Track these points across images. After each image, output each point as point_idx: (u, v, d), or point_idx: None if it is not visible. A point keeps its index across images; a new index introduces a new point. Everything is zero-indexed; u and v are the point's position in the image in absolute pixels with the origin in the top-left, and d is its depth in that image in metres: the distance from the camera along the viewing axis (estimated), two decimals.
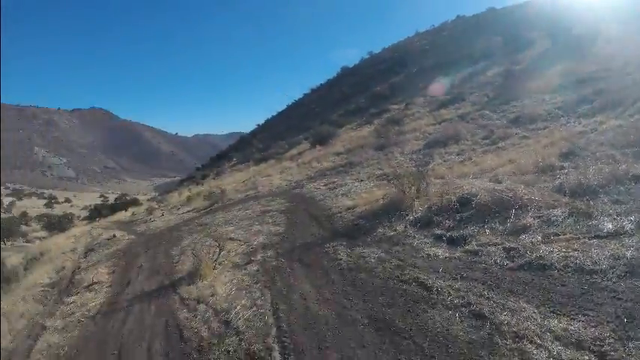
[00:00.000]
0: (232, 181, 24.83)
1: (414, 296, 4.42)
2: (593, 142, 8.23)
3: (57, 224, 42.58)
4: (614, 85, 12.07)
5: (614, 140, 7.86)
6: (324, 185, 12.70)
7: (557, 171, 7.05)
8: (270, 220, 9.85)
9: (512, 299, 3.88)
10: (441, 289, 4.37)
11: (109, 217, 31.36)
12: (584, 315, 3.40)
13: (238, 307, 5.27)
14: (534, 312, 3.60)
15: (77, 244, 17.85)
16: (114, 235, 16.15)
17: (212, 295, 5.99)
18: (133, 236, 15.38)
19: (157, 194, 64.59)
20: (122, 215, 29.64)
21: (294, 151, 26.59)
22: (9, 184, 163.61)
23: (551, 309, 3.59)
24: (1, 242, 33.54)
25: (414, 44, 50.14)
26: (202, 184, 32.04)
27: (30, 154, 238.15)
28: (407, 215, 6.89)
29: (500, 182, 7.22)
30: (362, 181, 11.78)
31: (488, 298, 3.99)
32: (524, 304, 3.74)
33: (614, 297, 3.53)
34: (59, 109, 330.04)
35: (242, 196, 16.36)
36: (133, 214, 26.96)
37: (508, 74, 20.54)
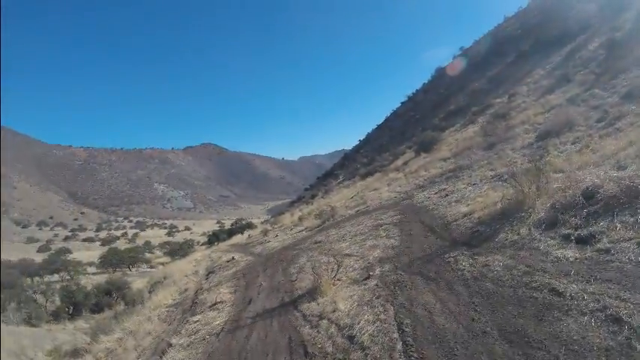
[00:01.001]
0: (341, 197, 25.23)
1: (545, 303, 4.24)
2: None
3: (178, 250, 46.98)
4: None
5: None
6: (435, 193, 12.61)
7: None
8: (384, 234, 9.85)
9: None
10: (573, 293, 4.17)
11: (227, 241, 33.44)
12: None
13: (361, 322, 5.28)
14: None
15: (198, 267, 19.03)
16: (233, 258, 17.10)
17: (334, 311, 6.06)
18: (250, 257, 15.99)
19: (269, 217, 67.80)
20: (238, 239, 31.54)
21: (399, 162, 26.62)
22: (132, 218, 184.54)
23: None
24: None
25: (505, 31, 47.43)
26: (312, 204, 32.70)
27: (150, 190, 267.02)
28: (529, 216, 6.63)
29: (624, 168, 6.80)
30: (475, 184, 11.52)
31: (624, 300, 3.78)
32: None
33: None
34: (173, 149, 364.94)
35: (352, 211, 16.63)
36: (249, 236, 28.58)
37: (611, 44, 18.37)
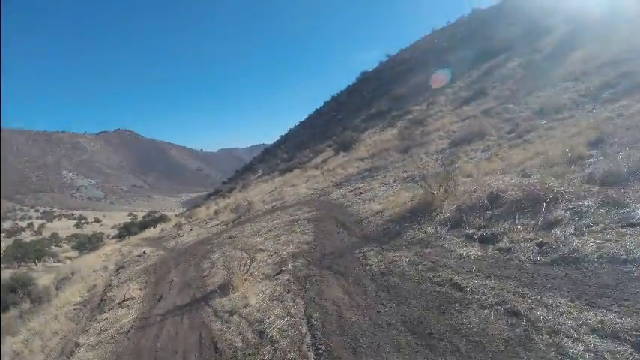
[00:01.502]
0: (258, 192, 24.92)
1: (448, 297, 4.42)
2: (620, 127, 8.10)
3: (87, 243, 44.16)
4: (637, 66, 11.77)
5: None
6: (351, 191, 12.69)
7: (586, 160, 6.95)
8: (299, 230, 9.87)
9: (546, 294, 3.87)
10: (474, 288, 4.38)
11: (139, 235, 32.09)
12: (619, 305, 3.40)
13: (272, 317, 5.34)
14: (569, 306, 3.61)
15: (108, 262, 18.34)
16: (144, 252, 16.51)
17: (245, 306, 6.05)
18: (162, 252, 15.58)
19: (184, 210, 65.60)
20: (151, 232, 30.26)
21: (318, 160, 26.64)
22: (39, 207, 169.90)
23: (586, 302, 3.59)
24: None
25: (431, 43, 49.37)
26: (229, 198, 31.99)
27: (59, 177, 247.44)
28: (436, 216, 6.85)
29: (528, 176, 7.19)
30: (388, 184, 11.73)
31: (522, 294, 3.99)
32: (559, 299, 3.74)
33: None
34: (85, 133, 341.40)
35: (269, 207, 16.48)
36: (162, 230, 27.52)
37: (529, 64, 19.89)
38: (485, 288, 4.33)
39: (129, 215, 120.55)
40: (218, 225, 17.92)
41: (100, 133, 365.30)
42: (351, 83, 58.35)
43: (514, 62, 22.26)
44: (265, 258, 8.40)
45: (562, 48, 19.43)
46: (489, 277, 4.54)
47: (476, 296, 4.23)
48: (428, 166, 11.46)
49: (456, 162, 10.70)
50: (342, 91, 58.17)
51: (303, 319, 5.05)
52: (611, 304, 3.45)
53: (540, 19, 26.85)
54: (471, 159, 10.92)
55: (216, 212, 22.81)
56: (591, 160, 6.84)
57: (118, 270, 14.65)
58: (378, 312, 4.64)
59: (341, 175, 17.01)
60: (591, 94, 11.93)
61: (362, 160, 18.28)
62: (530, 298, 3.90)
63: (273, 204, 16.73)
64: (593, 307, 3.51)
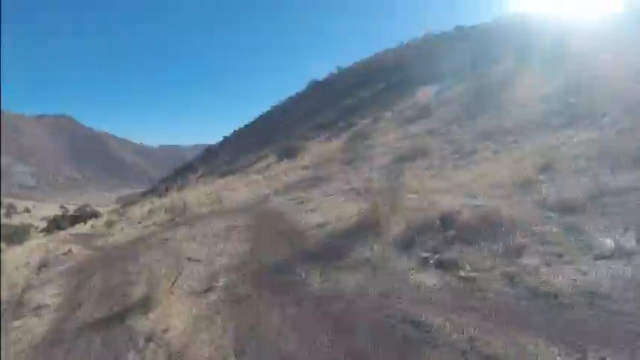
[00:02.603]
0: (197, 194, 23.76)
1: (405, 333, 3.75)
2: (567, 155, 8.06)
3: (14, 235, 40.44)
4: (582, 98, 12.09)
5: (588, 153, 7.71)
6: (292, 200, 12.08)
7: (536, 185, 6.75)
8: (236, 237, 9.12)
9: (517, 332, 3.38)
10: (437, 324, 3.74)
11: (68, 230, 29.75)
12: (596, 344, 3.01)
13: (195, 348, 4.54)
14: (543, 344, 3.16)
15: (31, 258, 16.57)
16: (70, 250, 14.99)
17: (166, 330, 5.21)
18: (90, 251, 14.25)
19: (119, 206, 62.62)
20: (81, 228, 27.96)
21: (261, 164, 25.94)
22: None
23: (560, 338, 3.17)
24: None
25: (382, 60, 50.48)
26: (165, 197, 30.71)
27: None
28: (383, 234, 6.28)
29: (475, 197, 6.90)
30: (331, 195, 11.21)
31: (491, 331, 3.46)
32: (532, 337, 3.27)
33: (629, 322, 3.17)
34: (24, 114, 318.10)
35: (206, 210, 15.51)
36: (92, 227, 25.37)
37: (476, 90, 20.30)
38: (449, 323, 3.69)
39: (61, 207, 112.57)
40: (151, 225, 16.63)
41: (39, 116, 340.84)
42: (300, 91, 58.23)
43: (461, 87, 22.74)
44: (197, 269, 7.56)
45: (509, 78, 19.83)
46: (454, 311, 3.89)
47: (438, 333, 3.61)
48: (372, 179, 11.10)
49: (400, 177, 10.35)
50: (290, 98, 57.93)
51: (232, 349, 4.27)
52: (588, 342, 3.05)
53: (489, 50, 27.90)
54: (415, 175, 10.52)
55: (150, 211, 21.14)
56: (541, 185, 6.63)
57: (40, 268, 13.06)
58: (323, 345, 3.92)
59: (283, 181, 16.37)
60: (537, 122, 12.08)
61: (305, 168, 17.75)
62: (500, 337, 3.37)
63: (211, 207, 15.75)
64: (564, 342, 3.11)
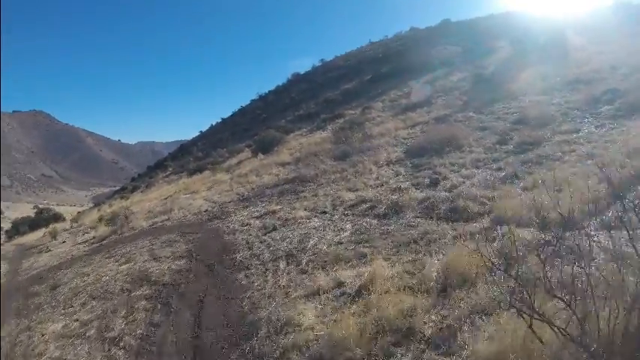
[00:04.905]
0: (157, 196, 21.02)
1: None
2: None
3: None
4: (621, 86, 10.02)
5: None
6: (260, 217, 8.76)
7: None
8: (143, 304, 5.79)
9: None
10: None
11: (26, 236, 26.59)
12: None
13: None
14: None
15: None
16: None
17: None
18: (4, 279, 11.38)
19: (92, 206, 58.74)
20: (33, 236, 24.06)
21: (233, 160, 22.79)
22: None
23: None
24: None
25: (367, 53, 47.97)
26: (127, 199, 27.68)
27: None
28: None
29: None
30: (325, 213, 7.54)
31: None
32: None
33: None
34: None
35: (149, 223, 12.49)
36: (44, 235, 21.43)
37: (476, 78, 18.66)
38: None
39: (34, 208, 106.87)
40: (91, 240, 14.02)
41: (14, 112, 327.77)
42: (280, 84, 55.09)
43: (457, 76, 21.32)
44: None
45: (510, 66, 18.44)
46: None
47: None
48: (388, 181, 7.90)
49: (438, 179, 7.12)
50: (270, 91, 54.72)
51: None
52: None
53: (480, 43, 27.27)
54: (452, 171, 7.58)
55: (100, 219, 17.87)
56: None
57: None
58: None
59: (254, 183, 13.12)
60: (580, 108, 9.70)
61: (283, 165, 14.47)
62: None
63: (155, 219, 12.75)
64: None
